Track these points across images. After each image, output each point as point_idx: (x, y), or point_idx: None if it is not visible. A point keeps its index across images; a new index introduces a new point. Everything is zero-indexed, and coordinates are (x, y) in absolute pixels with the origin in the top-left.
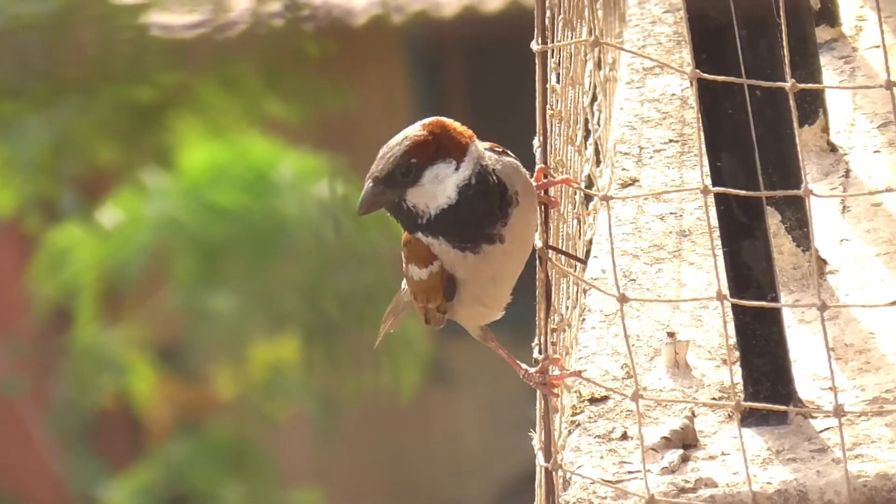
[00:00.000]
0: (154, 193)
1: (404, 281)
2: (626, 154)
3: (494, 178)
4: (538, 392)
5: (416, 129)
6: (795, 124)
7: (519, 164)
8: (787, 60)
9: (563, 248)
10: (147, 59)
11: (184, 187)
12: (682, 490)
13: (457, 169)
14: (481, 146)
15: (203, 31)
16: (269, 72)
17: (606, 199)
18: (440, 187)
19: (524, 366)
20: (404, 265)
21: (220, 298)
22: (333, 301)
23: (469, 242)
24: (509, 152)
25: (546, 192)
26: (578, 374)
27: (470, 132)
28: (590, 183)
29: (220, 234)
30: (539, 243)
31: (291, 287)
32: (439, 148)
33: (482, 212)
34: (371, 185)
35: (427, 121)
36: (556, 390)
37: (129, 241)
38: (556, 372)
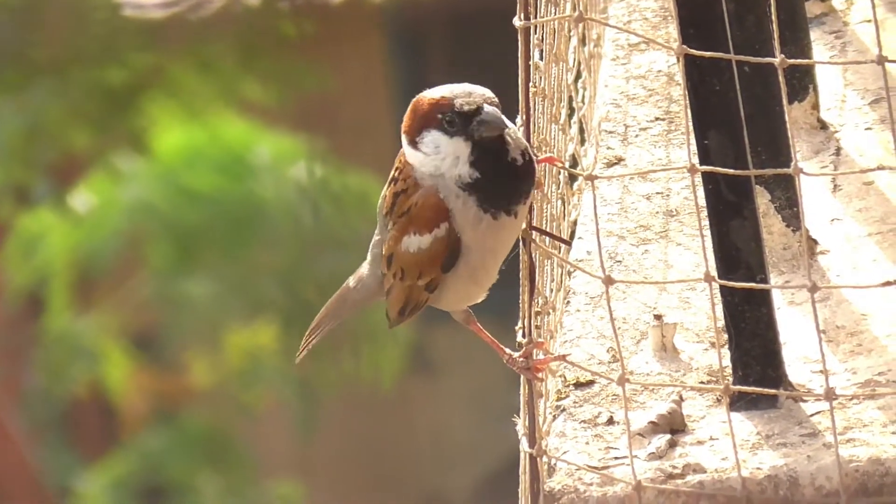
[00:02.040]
0: (128, 178)
1: (362, 267)
2: (611, 132)
3: (531, 156)
4: (522, 377)
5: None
6: (785, 101)
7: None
8: (776, 35)
9: (548, 230)
10: (120, 41)
11: (158, 171)
12: (670, 476)
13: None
14: None
15: (176, 10)
16: (244, 52)
17: (591, 178)
18: (518, 141)
19: (508, 350)
20: (392, 242)
21: (196, 284)
22: (312, 287)
23: (496, 208)
24: None
25: None
26: (563, 357)
27: None
28: (574, 162)
29: (195, 219)
30: (523, 225)
31: (269, 273)
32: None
33: (521, 187)
34: (494, 108)
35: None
36: (540, 375)
37: (103, 227)
38: (541, 356)
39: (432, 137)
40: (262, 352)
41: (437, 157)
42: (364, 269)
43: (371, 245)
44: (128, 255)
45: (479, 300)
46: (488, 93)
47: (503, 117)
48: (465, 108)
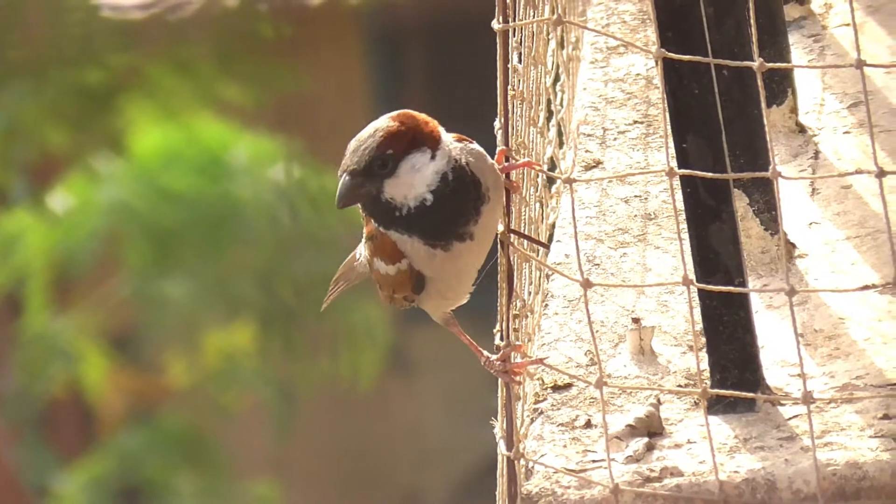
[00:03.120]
0: (105, 178)
1: (359, 249)
2: (589, 135)
3: (469, 172)
4: (500, 381)
5: (386, 121)
6: (763, 105)
7: (485, 153)
8: (754, 39)
9: (526, 233)
10: (97, 41)
11: (135, 172)
12: (648, 479)
13: (433, 158)
14: (449, 138)
15: (154, 11)
16: (222, 54)
17: (570, 181)
18: (418, 177)
19: (486, 353)
20: (368, 255)
21: (174, 285)
22: (290, 287)
23: (442, 240)
24: (473, 142)
25: (507, 175)
26: (540, 361)
27: (436, 123)
28: (552, 165)
29: (172, 220)
30: (501, 227)
31: (246, 273)
32: (414, 138)
33: (459, 209)
34: (348, 178)
35: (395, 113)
36: (517, 378)
37: (80, 227)
38: (518, 359)
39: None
40: (240, 352)
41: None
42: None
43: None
44: (105, 255)
45: (461, 303)
46: (361, 150)
47: (346, 187)
48: (339, 171)
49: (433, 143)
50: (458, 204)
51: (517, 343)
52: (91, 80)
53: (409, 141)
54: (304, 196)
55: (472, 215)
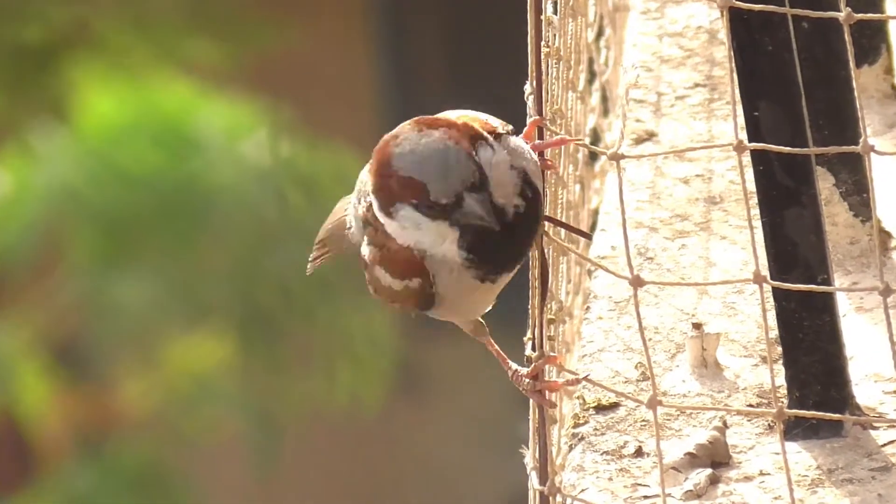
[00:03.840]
0: (45, 155)
1: (349, 212)
2: (640, 102)
3: (538, 186)
4: (531, 400)
5: (432, 123)
6: (852, 64)
7: (525, 146)
8: None
9: (563, 220)
10: None
11: (82, 148)
12: None
13: (494, 151)
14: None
15: None
16: (190, 6)
17: (617, 158)
18: (500, 174)
19: (514, 365)
20: (369, 256)
21: (129, 286)
22: (273, 289)
23: (495, 274)
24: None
25: (541, 154)
26: (579, 381)
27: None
28: (596, 138)
29: (128, 205)
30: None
31: (219, 272)
32: (467, 127)
33: (529, 237)
34: (477, 195)
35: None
36: (552, 397)
37: (16, 216)
38: (554, 375)
39: (409, 214)
40: (211, 369)
41: (417, 234)
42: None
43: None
44: (46, 249)
45: (485, 310)
46: (464, 168)
47: (487, 206)
48: (442, 201)
49: (486, 131)
50: (527, 234)
51: (552, 354)
52: (29, 37)
53: (471, 135)
54: (294, 178)
55: (527, 249)
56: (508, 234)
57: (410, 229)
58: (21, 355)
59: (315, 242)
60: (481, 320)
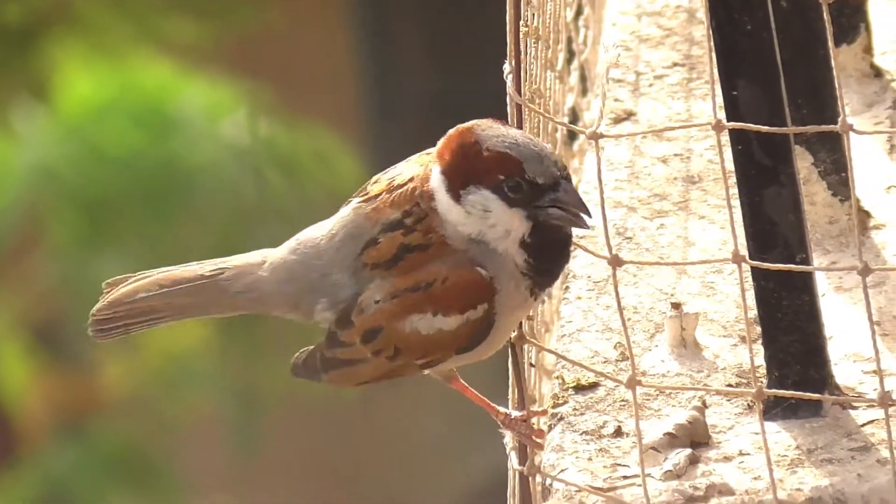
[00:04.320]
0: (25, 135)
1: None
2: (619, 81)
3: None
4: (510, 380)
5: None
6: (831, 43)
7: None
8: None
9: None
10: None
11: (62, 128)
12: (691, 499)
13: None
14: None
15: None
16: None
17: (595, 137)
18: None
19: (502, 409)
20: (383, 316)
21: (109, 266)
22: None
23: (543, 289)
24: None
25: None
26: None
27: None
28: (574, 117)
29: (107, 186)
30: None
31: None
32: None
33: (570, 254)
34: (572, 184)
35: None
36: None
37: None
38: (542, 425)
39: (483, 198)
40: (190, 351)
41: (483, 222)
42: (263, 273)
43: (289, 260)
44: (25, 230)
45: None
46: (557, 157)
47: (581, 199)
48: (539, 180)
49: None
50: (570, 250)
51: (541, 409)
52: (9, 17)
53: None
54: (273, 158)
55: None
56: (563, 252)
57: (476, 216)
58: (1, 337)
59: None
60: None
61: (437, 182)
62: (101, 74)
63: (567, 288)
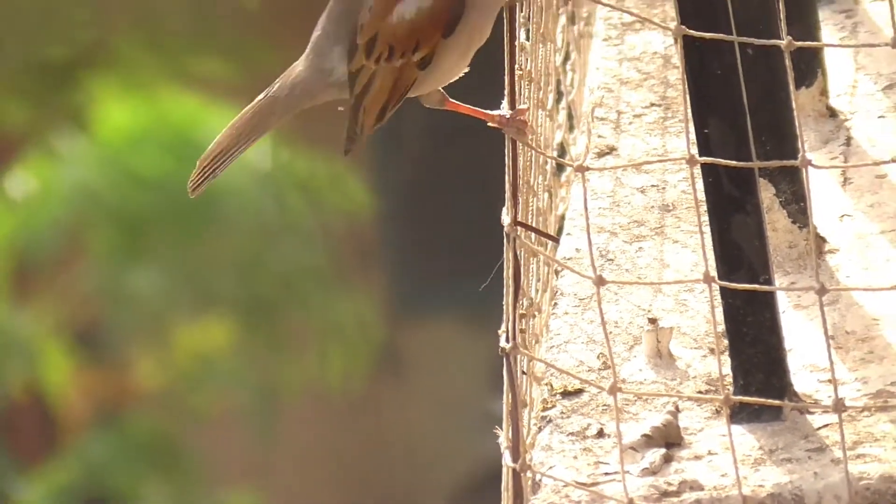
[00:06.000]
0: (68, 159)
1: (280, 82)
2: (602, 119)
3: None
4: (505, 385)
5: None
6: (791, 86)
7: None
8: (782, 14)
9: (533, 225)
10: (60, 13)
11: (101, 153)
12: (665, 493)
13: None
14: None
15: None
16: (199, 27)
17: (581, 169)
18: None
19: (494, 112)
20: (376, 19)
21: (143, 276)
22: (272, 280)
23: None
24: None
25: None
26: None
27: None
28: (562, 151)
29: (141, 205)
30: (507, 219)
31: (223, 264)
32: None
33: None
34: None
35: None
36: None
37: (41, 213)
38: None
39: None
40: (215, 350)
41: None
42: (299, 66)
43: (314, 38)
44: (68, 244)
45: (460, 75)
46: None
47: None
48: None
49: None
50: None
51: (523, 107)
52: (54, 55)
53: None
54: (292, 181)
55: None
56: None
57: None
58: (46, 338)
59: (202, 162)
60: (441, 89)
61: None
62: (135, 106)
63: (555, 304)
